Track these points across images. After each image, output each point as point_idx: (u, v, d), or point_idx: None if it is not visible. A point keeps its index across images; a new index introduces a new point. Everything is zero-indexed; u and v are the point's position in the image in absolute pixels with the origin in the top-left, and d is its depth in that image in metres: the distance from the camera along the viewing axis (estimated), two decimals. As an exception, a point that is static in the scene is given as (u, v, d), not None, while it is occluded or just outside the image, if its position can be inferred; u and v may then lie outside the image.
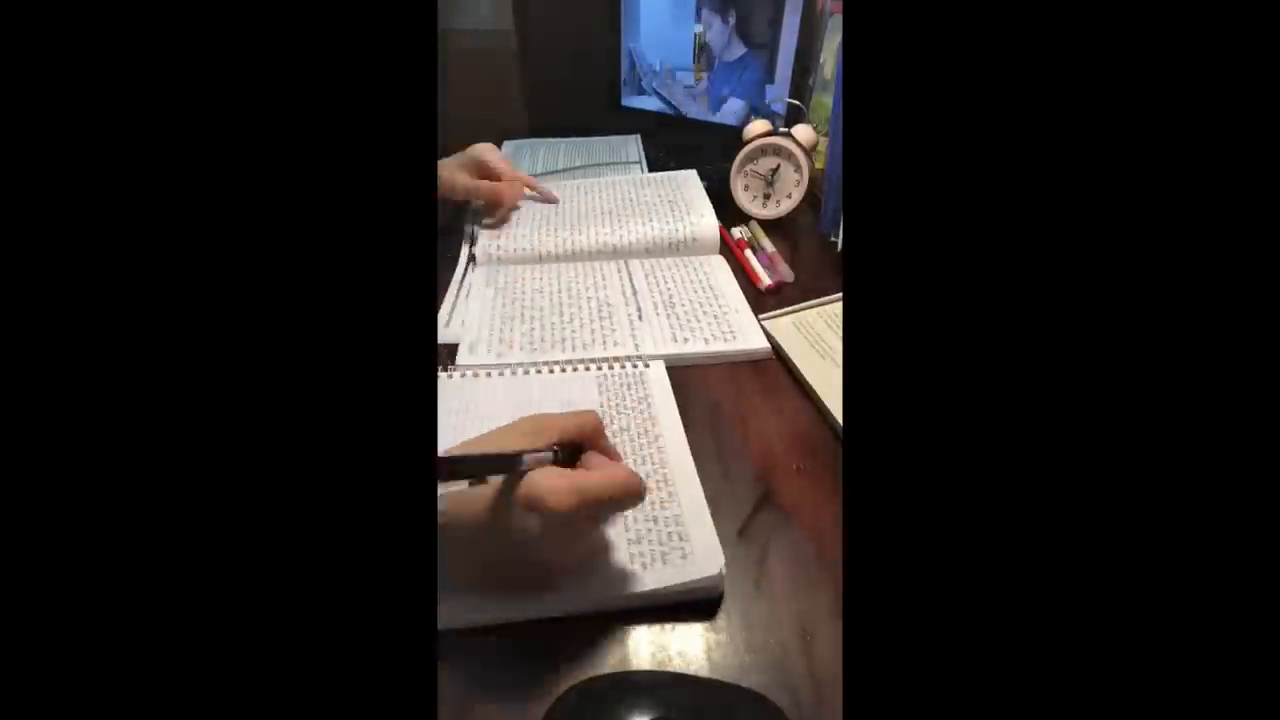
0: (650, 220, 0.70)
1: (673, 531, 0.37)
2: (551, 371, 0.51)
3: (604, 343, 0.55)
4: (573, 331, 0.56)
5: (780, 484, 0.42)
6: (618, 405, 0.47)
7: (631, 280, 0.63)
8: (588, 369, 0.51)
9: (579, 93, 1.13)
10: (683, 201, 0.72)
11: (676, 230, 0.69)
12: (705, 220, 0.69)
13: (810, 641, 0.33)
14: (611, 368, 0.51)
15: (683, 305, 0.59)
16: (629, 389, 0.48)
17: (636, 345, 0.54)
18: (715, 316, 0.58)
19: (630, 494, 0.32)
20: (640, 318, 0.58)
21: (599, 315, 0.58)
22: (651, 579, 0.34)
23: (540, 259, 0.67)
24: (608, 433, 0.42)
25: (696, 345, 0.54)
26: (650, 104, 0.90)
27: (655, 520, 0.37)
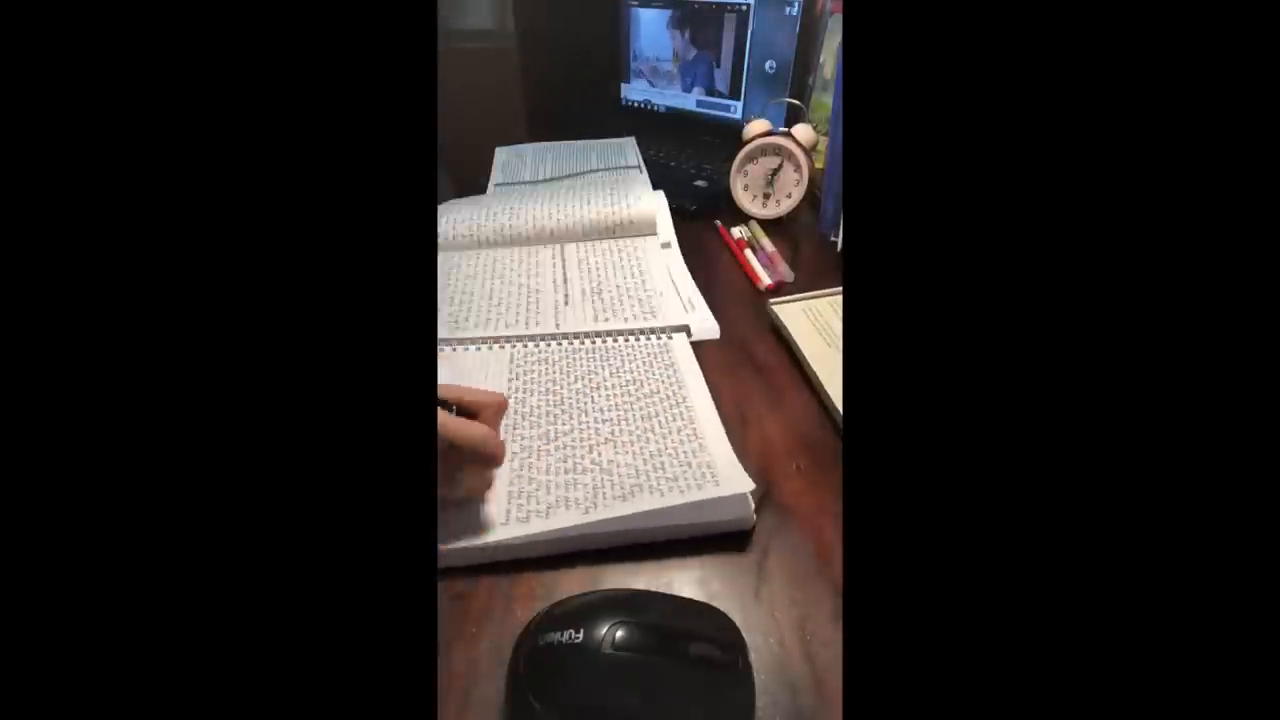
0: (588, 204, 0.71)
1: (705, 472, 0.41)
2: (571, 343, 0.54)
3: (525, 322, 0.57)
4: (504, 310, 0.59)
5: (780, 484, 0.42)
6: (646, 373, 0.51)
7: (564, 266, 0.66)
8: (618, 340, 0.54)
9: (579, 93, 1.13)
10: (622, 184, 0.75)
11: (614, 213, 0.71)
12: (643, 202, 0.71)
13: (810, 641, 0.33)
14: (638, 339, 0.54)
15: (609, 290, 0.62)
16: (655, 358, 0.52)
17: (558, 324, 0.57)
18: (639, 300, 0.61)
19: (482, 446, 0.33)
20: (566, 302, 0.60)
21: (527, 297, 0.61)
22: (685, 498, 0.38)
23: (479, 245, 0.69)
24: (637, 395, 0.47)
25: (616, 324, 0.57)
26: (644, 84, 1.09)
27: (689, 465, 0.41)
